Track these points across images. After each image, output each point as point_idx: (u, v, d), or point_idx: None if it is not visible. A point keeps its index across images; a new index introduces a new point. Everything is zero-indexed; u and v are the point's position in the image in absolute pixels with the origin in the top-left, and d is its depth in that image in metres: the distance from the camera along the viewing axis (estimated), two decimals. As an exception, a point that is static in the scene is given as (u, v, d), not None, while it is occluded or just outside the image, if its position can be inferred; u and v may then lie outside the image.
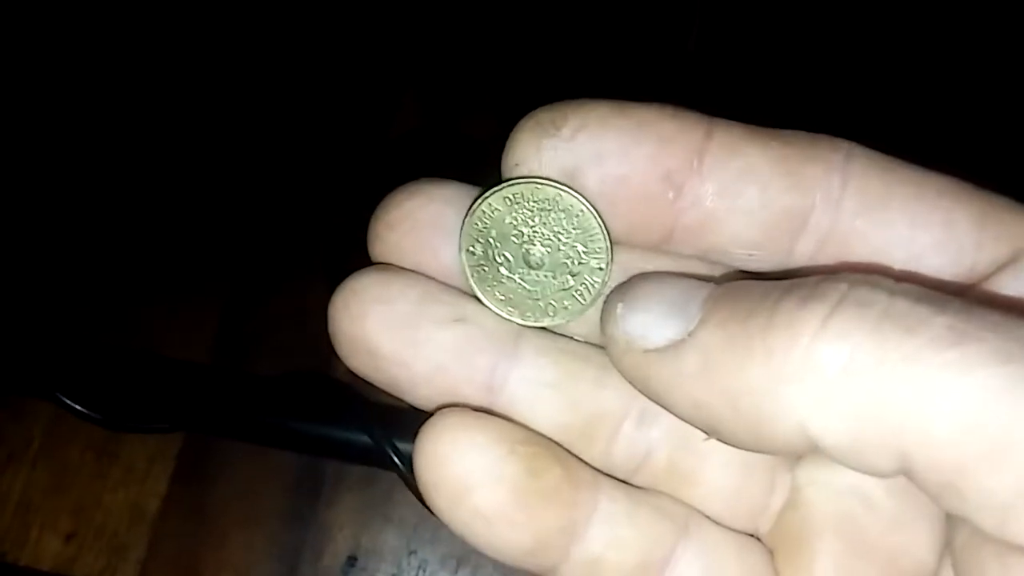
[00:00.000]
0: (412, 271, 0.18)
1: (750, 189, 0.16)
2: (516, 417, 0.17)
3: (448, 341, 0.17)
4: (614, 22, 0.43)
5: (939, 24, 0.42)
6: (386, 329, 0.17)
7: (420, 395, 0.17)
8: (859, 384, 0.13)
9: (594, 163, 0.16)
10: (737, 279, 0.16)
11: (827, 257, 0.16)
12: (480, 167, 0.18)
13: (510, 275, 0.18)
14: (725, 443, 0.15)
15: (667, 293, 0.15)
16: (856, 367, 0.13)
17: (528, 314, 0.18)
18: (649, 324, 0.15)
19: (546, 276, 0.18)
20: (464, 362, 0.17)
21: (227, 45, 0.44)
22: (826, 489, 0.17)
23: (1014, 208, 0.16)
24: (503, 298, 0.18)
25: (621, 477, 0.18)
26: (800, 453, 0.15)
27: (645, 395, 0.16)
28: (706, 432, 0.15)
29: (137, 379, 0.37)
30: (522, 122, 0.16)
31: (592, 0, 0.44)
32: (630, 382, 0.16)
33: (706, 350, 0.14)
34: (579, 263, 0.17)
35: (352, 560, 0.36)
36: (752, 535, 0.18)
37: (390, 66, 0.44)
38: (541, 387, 0.17)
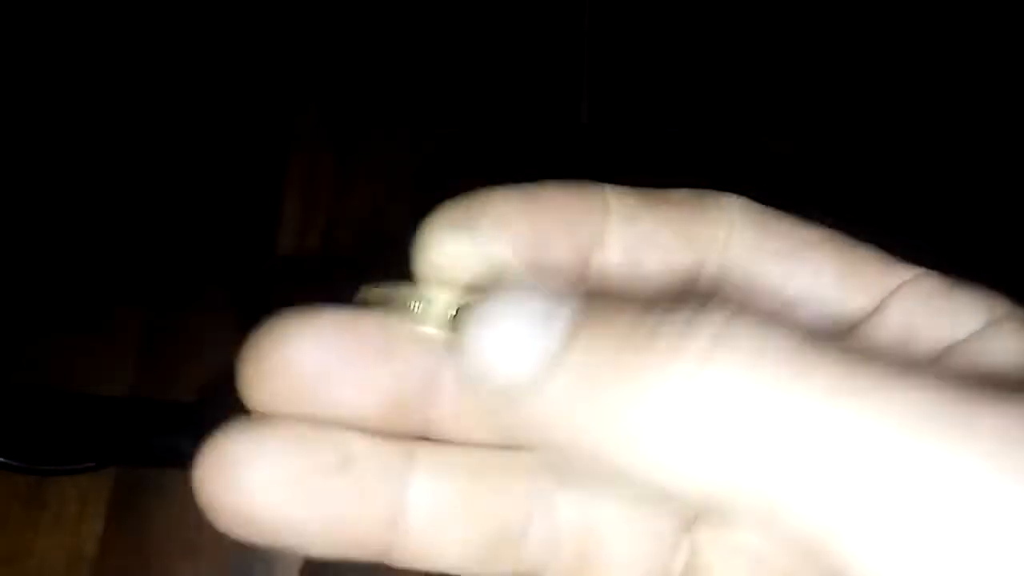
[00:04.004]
0: (284, 420, 0.16)
1: (648, 255, 0.17)
2: (422, 546, 0.17)
3: (339, 489, 0.16)
4: (504, 98, 0.44)
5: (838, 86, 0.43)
6: (268, 494, 0.16)
7: (318, 549, 0.16)
8: (742, 419, 0.12)
9: (514, 255, 0.16)
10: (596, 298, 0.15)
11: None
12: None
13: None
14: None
15: (525, 312, 0.14)
16: (743, 403, 0.12)
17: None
18: (509, 344, 0.14)
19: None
20: (361, 506, 0.16)
21: (130, 70, 0.43)
22: (723, 549, 0.17)
23: (878, 261, 0.16)
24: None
25: (532, 573, 0.18)
26: (668, 502, 0.14)
27: (506, 427, 0.15)
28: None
29: (55, 419, 0.36)
30: (432, 220, 0.16)
31: (480, 76, 0.44)
32: (488, 410, 0.15)
33: (571, 383, 0.13)
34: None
35: None
36: None
37: (290, 84, 0.44)
38: (441, 510, 0.17)
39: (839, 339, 0.16)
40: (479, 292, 0.16)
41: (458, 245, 0.16)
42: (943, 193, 0.41)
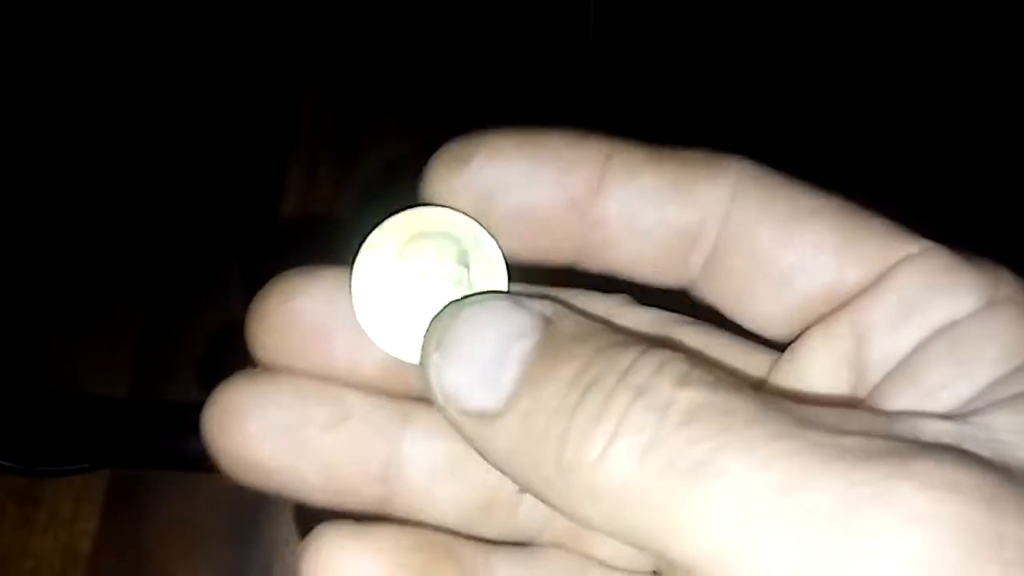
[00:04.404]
0: (287, 374, 0.17)
1: (647, 210, 0.17)
2: (416, 504, 0.18)
3: (335, 444, 0.17)
4: (511, 52, 0.43)
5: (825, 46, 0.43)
6: (267, 442, 0.17)
7: (315, 499, 0.17)
8: (630, 509, 0.13)
9: (503, 191, 0.17)
10: (568, 308, 0.16)
11: (713, 268, 0.17)
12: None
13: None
14: None
15: (481, 347, 0.15)
16: (627, 496, 0.13)
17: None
18: (462, 386, 0.15)
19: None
20: (355, 462, 0.17)
21: (128, 67, 0.43)
22: None
23: (883, 232, 0.16)
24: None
25: (526, 538, 0.18)
26: None
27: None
28: None
29: (50, 420, 0.35)
30: (436, 154, 0.17)
31: (487, 32, 0.44)
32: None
33: (511, 439, 0.14)
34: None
35: (302, 574, 0.35)
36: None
37: (291, 66, 0.43)
38: (436, 472, 0.17)
39: (738, 396, 0.16)
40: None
41: (455, 176, 0.17)
42: (942, 172, 0.41)
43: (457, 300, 0.16)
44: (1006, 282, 0.15)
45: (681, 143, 0.17)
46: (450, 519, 0.18)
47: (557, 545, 0.18)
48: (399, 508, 0.18)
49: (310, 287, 0.17)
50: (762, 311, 0.17)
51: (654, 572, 0.18)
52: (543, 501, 0.15)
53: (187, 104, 0.42)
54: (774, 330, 0.17)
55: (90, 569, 0.35)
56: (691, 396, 0.13)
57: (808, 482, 0.12)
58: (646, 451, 0.13)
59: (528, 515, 0.18)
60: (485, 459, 0.15)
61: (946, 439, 0.13)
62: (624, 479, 0.13)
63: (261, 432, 0.17)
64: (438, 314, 0.16)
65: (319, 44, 0.44)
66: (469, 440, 0.15)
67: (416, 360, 0.17)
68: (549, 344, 0.15)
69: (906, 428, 0.14)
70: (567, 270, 0.18)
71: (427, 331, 0.16)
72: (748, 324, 0.18)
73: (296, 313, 0.17)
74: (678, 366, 0.14)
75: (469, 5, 0.44)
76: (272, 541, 0.36)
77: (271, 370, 0.17)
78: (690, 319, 0.18)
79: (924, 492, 0.12)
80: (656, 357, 0.14)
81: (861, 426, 0.13)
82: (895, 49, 0.43)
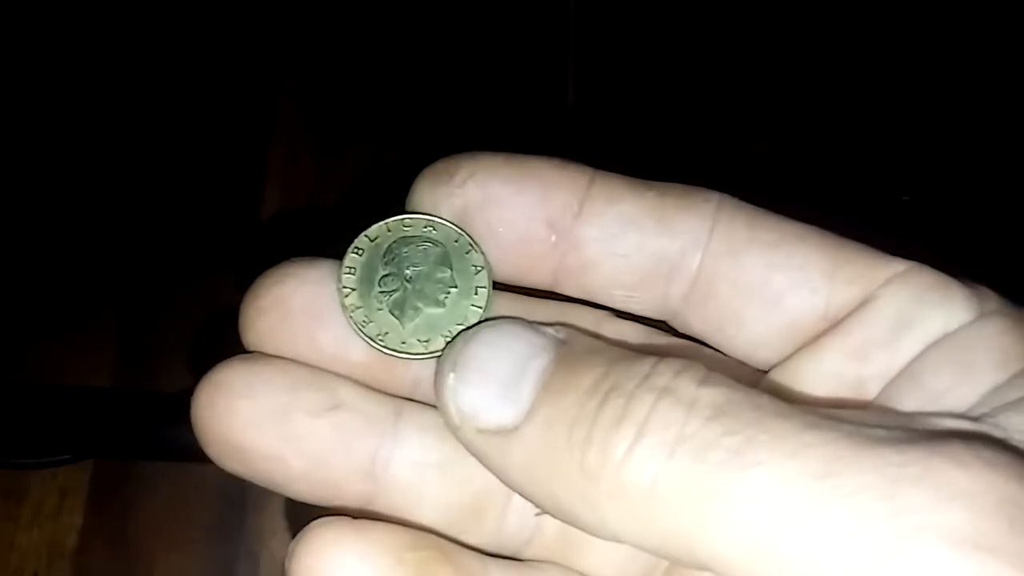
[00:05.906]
0: (281, 359, 0.17)
1: (625, 235, 0.17)
2: (402, 502, 0.17)
3: (323, 432, 0.17)
4: (490, 81, 0.43)
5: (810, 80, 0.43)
6: (256, 425, 0.17)
7: (299, 490, 0.17)
8: (659, 507, 0.13)
9: (482, 207, 0.17)
10: (581, 333, 0.16)
11: (698, 296, 0.17)
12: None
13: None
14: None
15: (498, 365, 0.15)
16: (657, 492, 0.13)
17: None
18: (479, 404, 0.15)
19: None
20: (342, 452, 0.17)
21: (107, 64, 0.42)
22: None
23: (867, 254, 0.17)
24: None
25: (513, 550, 0.18)
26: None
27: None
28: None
29: (30, 411, 0.35)
30: (423, 171, 0.18)
31: (465, 60, 0.44)
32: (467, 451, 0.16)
33: (531, 450, 0.14)
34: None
35: (290, 563, 0.35)
36: None
37: (271, 66, 0.43)
38: (425, 468, 0.17)
39: (763, 379, 0.17)
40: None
41: (438, 191, 0.17)
42: (930, 195, 0.41)
43: (469, 327, 0.17)
44: (990, 296, 0.16)
45: (659, 174, 0.18)
46: (436, 522, 0.18)
47: (543, 560, 0.18)
48: (383, 507, 0.18)
49: (304, 273, 0.17)
50: (751, 334, 0.17)
51: None
52: (562, 516, 0.14)
53: (167, 98, 0.42)
54: (763, 354, 0.18)
55: (76, 563, 0.35)
56: (716, 393, 0.13)
57: (845, 468, 0.12)
58: (675, 446, 0.13)
59: (516, 525, 0.18)
60: (502, 479, 0.15)
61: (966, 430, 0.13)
62: (652, 476, 0.13)
63: (251, 414, 0.17)
64: (451, 341, 0.17)
65: (300, 43, 0.44)
66: (486, 459, 0.15)
67: (398, 355, 0.17)
68: (566, 358, 0.15)
69: (925, 423, 0.14)
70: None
71: (440, 362, 0.16)
72: (735, 351, 0.18)
73: (287, 295, 0.17)
74: (698, 369, 0.14)
75: (449, 33, 0.44)
76: (259, 532, 0.35)
77: (262, 355, 0.17)
78: (672, 334, 0.19)
79: (964, 470, 0.12)
80: (674, 363, 0.14)
81: (883, 421, 0.13)
82: (876, 99, 0.44)
